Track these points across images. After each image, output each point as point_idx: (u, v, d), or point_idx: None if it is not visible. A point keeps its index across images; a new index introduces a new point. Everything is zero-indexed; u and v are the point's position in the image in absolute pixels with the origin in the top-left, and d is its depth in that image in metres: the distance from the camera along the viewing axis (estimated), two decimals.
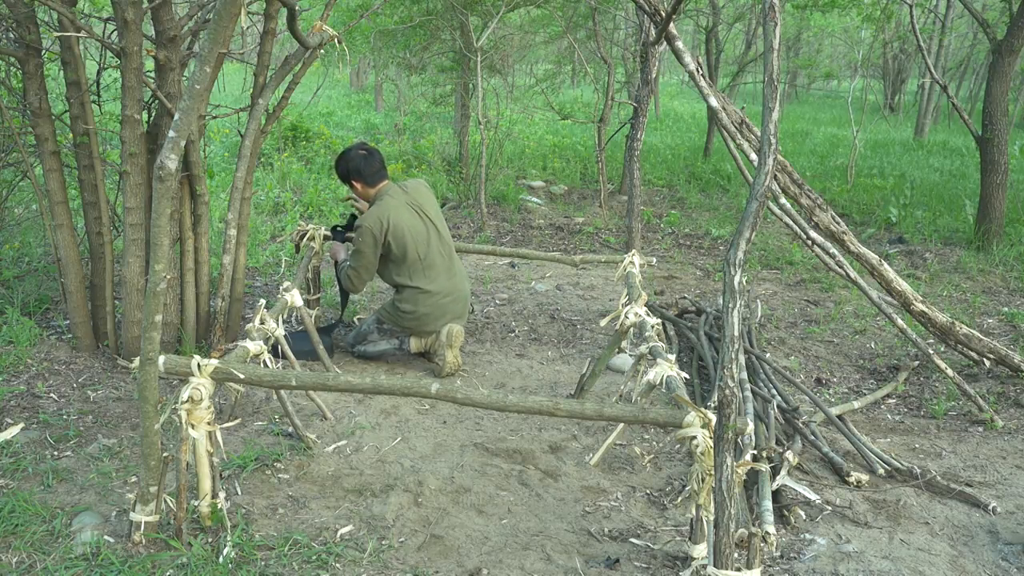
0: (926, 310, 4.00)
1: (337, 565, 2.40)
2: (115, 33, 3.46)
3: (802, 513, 2.75)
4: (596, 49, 8.08)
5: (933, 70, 6.76)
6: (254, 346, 2.76)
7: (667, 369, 2.61)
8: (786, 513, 2.74)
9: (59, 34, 3.40)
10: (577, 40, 9.06)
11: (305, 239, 4.18)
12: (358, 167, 3.88)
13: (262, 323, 3.05)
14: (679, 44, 3.65)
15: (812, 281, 5.78)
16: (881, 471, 3.05)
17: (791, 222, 3.79)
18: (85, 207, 3.72)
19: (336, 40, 3.74)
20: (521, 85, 11.92)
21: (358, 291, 3.95)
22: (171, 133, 2.16)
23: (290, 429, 3.20)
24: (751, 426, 2.78)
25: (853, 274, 3.86)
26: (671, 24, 3.64)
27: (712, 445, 2.11)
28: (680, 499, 2.80)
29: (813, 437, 3.23)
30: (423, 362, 4.06)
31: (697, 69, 3.66)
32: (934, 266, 6.17)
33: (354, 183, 3.94)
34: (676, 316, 4.71)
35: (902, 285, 4.01)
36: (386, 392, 2.42)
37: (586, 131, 12.30)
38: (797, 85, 21.21)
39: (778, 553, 2.54)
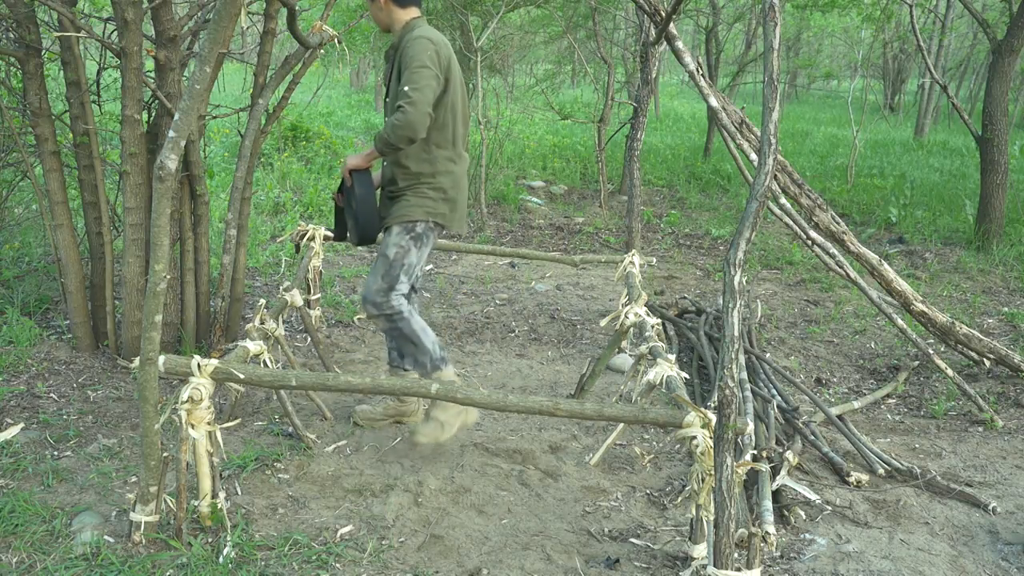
0: (926, 310, 4.01)
1: (337, 565, 2.40)
2: (115, 33, 3.46)
3: (802, 513, 2.75)
4: (596, 49, 8.09)
5: (933, 70, 6.77)
6: (254, 346, 2.76)
7: (667, 369, 2.61)
8: (786, 513, 2.74)
9: (59, 34, 3.40)
10: (577, 40, 9.06)
11: (305, 239, 4.18)
12: None
13: (262, 323, 3.05)
14: (679, 44, 3.65)
15: (812, 281, 5.78)
16: (881, 471, 3.05)
17: (791, 222, 3.79)
18: (85, 207, 3.72)
19: (336, 40, 3.74)
20: (521, 85, 11.93)
21: (423, 131, 2.79)
22: (171, 133, 2.16)
23: (290, 429, 3.20)
24: (751, 426, 2.78)
25: (853, 274, 3.86)
26: (671, 24, 3.64)
27: (712, 445, 2.11)
28: (680, 499, 2.81)
29: (813, 437, 3.23)
30: None
31: (697, 69, 3.66)
32: (934, 266, 6.17)
33: None
34: (676, 316, 4.71)
35: (902, 285, 4.01)
36: (386, 392, 2.42)
37: (586, 131, 12.30)
38: (797, 85, 21.22)
39: (778, 553, 2.54)
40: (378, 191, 3.15)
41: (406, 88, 2.78)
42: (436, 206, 2.99)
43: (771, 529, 2.47)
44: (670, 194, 8.76)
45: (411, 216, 2.97)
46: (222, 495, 2.52)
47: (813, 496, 2.82)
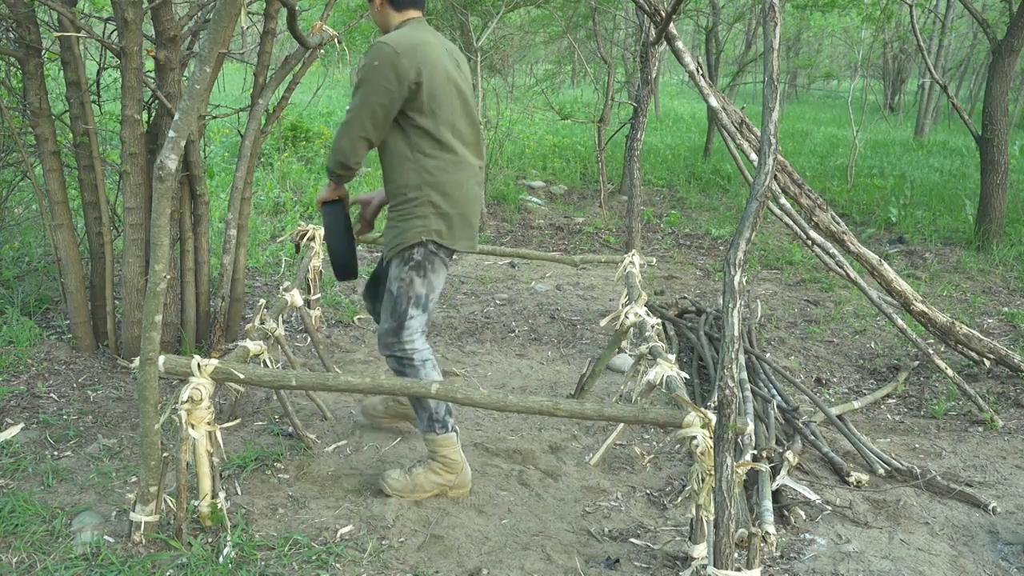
0: (926, 310, 4.01)
1: (337, 565, 2.40)
2: (115, 33, 3.46)
3: (802, 513, 2.75)
4: (596, 49, 8.09)
5: (933, 70, 6.77)
6: (254, 346, 2.76)
7: (667, 369, 2.61)
8: (786, 513, 2.74)
9: (59, 34, 3.40)
10: (577, 40, 9.06)
11: (305, 239, 4.18)
12: None
13: (262, 323, 3.05)
14: (679, 44, 3.65)
15: (812, 281, 5.78)
16: (881, 471, 3.05)
17: (791, 222, 3.79)
18: (85, 207, 3.72)
19: (336, 40, 3.74)
20: (521, 85, 11.94)
21: (356, 156, 2.64)
22: (171, 133, 2.16)
23: (290, 429, 3.20)
24: (751, 426, 2.78)
25: (853, 274, 3.86)
26: (671, 24, 3.64)
27: (712, 445, 2.11)
28: (680, 499, 2.80)
29: (813, 437, 3.23)
30: None
31: (697, 69, 3.66)
32: (934, 266, 6.17)
33: None
34: (676, 316, 4.71)
35: (902, 285, 4.01)
36: (386, 392, 2.42)
37: (586, 131, 12.30)
38: (797, 85, 21.23)
39: (778, 553, 2.54)
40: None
41: (347, 108, 2.59)
42: (427, 223, 2.63)
43: (771, 529, 2.47)
44: (670, 194, 8.76)
45: (403, 243, 2.64)
46: (222, 495, 2.52)
47: (813, 496, 2.82)
